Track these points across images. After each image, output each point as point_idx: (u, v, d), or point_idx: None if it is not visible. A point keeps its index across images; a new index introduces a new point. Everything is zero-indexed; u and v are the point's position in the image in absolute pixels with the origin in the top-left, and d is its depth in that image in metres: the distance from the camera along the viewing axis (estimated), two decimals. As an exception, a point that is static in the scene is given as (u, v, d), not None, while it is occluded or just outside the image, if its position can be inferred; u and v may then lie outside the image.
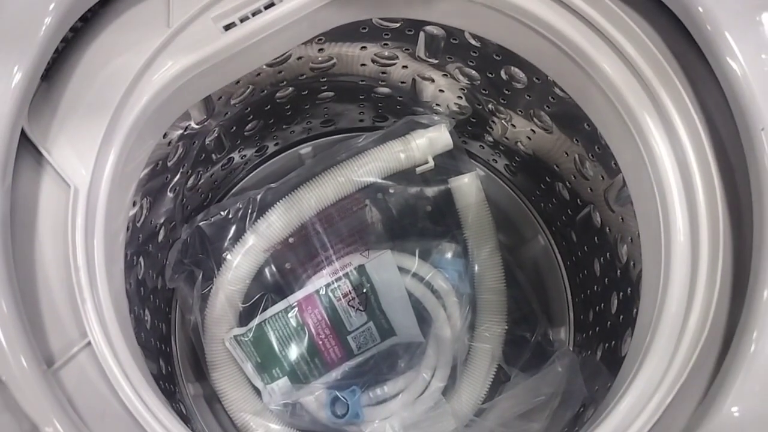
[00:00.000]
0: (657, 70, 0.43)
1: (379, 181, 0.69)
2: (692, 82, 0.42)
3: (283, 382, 0.69)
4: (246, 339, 0.68)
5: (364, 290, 0.69)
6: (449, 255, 0.72)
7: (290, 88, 0.66)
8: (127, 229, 0.53)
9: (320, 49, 0.60)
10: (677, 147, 0.43)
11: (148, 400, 0.37)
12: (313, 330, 0.69)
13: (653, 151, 0.44)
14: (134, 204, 0.54)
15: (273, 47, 0.51)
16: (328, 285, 0.69)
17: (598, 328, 0.65)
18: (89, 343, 0.37)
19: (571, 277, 0.74)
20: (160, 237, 0.64)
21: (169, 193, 0.63)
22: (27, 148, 0.40)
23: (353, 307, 0.70)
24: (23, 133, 0.39)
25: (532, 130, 0.65)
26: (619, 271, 0.59)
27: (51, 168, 0.40)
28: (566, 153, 0.63)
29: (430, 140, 0.69)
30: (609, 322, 0.62)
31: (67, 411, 0.34)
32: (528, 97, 0.61)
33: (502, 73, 0.60)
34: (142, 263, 0.59)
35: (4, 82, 0.36)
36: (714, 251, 0.40)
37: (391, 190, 0.72)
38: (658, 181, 0.44)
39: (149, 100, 0.44)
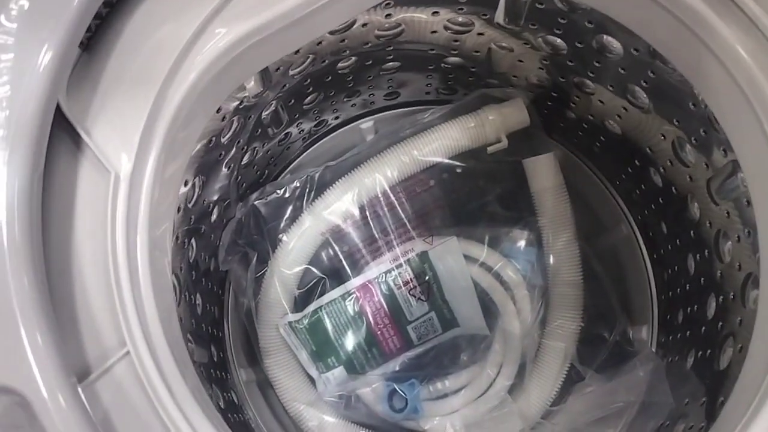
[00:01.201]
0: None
1: (446, 160, 0.64)
2: None
3: (339, 371, 0.66)
4: (301, 326, 0.64)
5: (427, 278, 0.65)
6: (521, 243, 0.66)
7: (353, 58, 0.60)
8: (178, 210, 0.49)
9: (387, 15, 0.55)
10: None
11: (193, 417, 0.33)
12: (371, 318, 0.65)
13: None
14: (186, 183, 0.50)
15: (338, 12, 0.46)
16: (388, 272, 0.65)
17: (688, 332, 0.59)
18: (128, 353, 0.33)
19: (657, 273, 0.67)
20: (214, 216, 0.61)
21: (223, 170, 0.59)
22: (63, 127, 0.36)
23: (414, 296, 0.65)
24: (59, 110, 0.35)
25: (624, 108, 0.58)
26: (719, 272, 0.53)
27: (90, 151, 0.36)
28: (663, 135, 0.55)
29: (504, 116, 0.63)
30: (703, 328, 0.55)
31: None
32: (621, 71, 0.54)
33: (593, 42, 0.53)
34: (194, 245, 0.56)
35: (37, 51, 0.32)
36: None
37: (459, 171, 0.66)
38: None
39: (200, 74, 0.39)
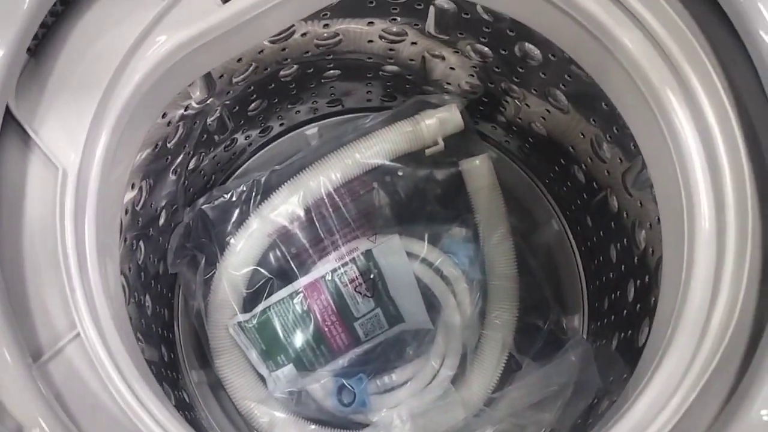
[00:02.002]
0: (682, 44, 0.40)
1: (387, 163, 0.67)
2: (720, 58, 0.39)
3: (289, 369, 0.68)
4: (250, 325, 0.66)
5: (372, 276, 0.67)
6: (459, 240, 0.70)
7: (295, 66, 0.63)
8: (126, 213, 0.51)
9: (325, 25, 0.58)
10: (703, 127, 0.40)
11: (142, 394, 0.35)
12: (319, 316, 0.67)
13: (677, 132, 0.41)
14: (133, 186, 0.52)
15: (275, 21, 0.49)
16: (334, 270, 0.67)
17: (613, 317, 0.63)
18: (78, 335, 0.35)
19: (586, 264, 0.71)
20: (162, 221, 0.62)
21: (170, 176, 0.61)
22: (13, 127, 0.38)
23: (360, 293, 0.68)
24: (9, 112, 0.37)
25: (547, 110, 0.62)
26: (636, 258, 0.57)
27: (38, 149, 0.38)
28: (582, 134, 0.60)
29: (440, 121, 0.67)
30: (625, 311, 0.59)
31: (55, 409, 0.32)
32: (543, 76, 0.58)
33: (516, 49, 0.57)
34: (143, 248, 0.58)
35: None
36: (742, 240, 0.38)
37: (400, 173, 0.70)
38: (682, 163, 0.41)
39: (143, 78, 0.41)
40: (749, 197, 0.38)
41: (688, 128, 0.41)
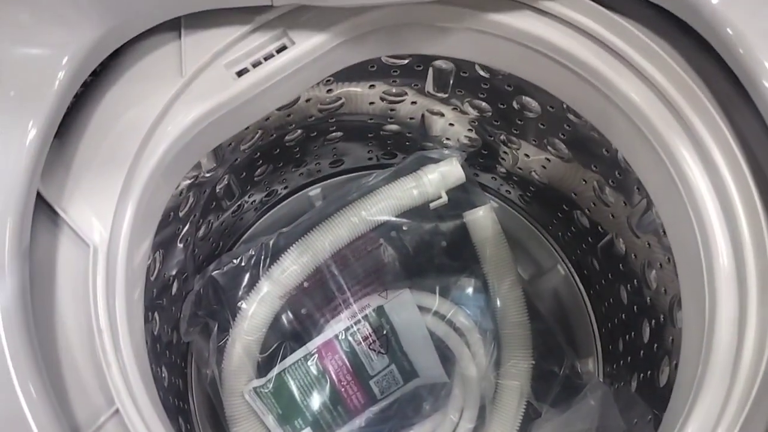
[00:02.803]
0: (685, 92, 0.42)
1: (393, 219, 0.68)
2: (723, 104, 0.41)
3: (307, 433, 0.66)
4: (266, 390, 0.65)
5: (384, 332, 0.67)
6: (469, 290, 0.70)
7: (299, 131, 0.65)
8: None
9: (329, 90, 0.60)
10: (712, 170, 0.41)
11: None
12: (334, 377, 0.67)
13: (686, 175, 0.43)
14: (148, 257, 0.52)
15: (286, 91, 0.50)
16: (347, 329, 0.67)
17: (629, 358, 0.63)
18: (117, 411, 0.34)
19: (596, 307, 0.72)
20: (174, 290, 0.62)
21: (179, 244, 0.61)
22: (42, 208, 0.38)
23: (374, 350, 0.67)
24: (38, 193, 0.37)
25: (547, 159, 0.64)
26: (649, 298, 0.58)
27: (68, 228, 0.38)
28: (584, 180, 0.62)
29: (442, 174, 0.68)
30: (642, 352, 0.60)
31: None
32: (541, 126, 0.60)
33: (514, 103, 0.59)
34: (157, 318, 0.57)
35: (19, 139, 0.34)
36: (763, 273, 0.39)
37: (405, 228, 0.71)
38: (693, 204, 0.43)
39: (165, 151, 0.42)
40: (765, 231, 0.39)
41: (697, 171, 0.43)
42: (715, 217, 0.41)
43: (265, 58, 0.47)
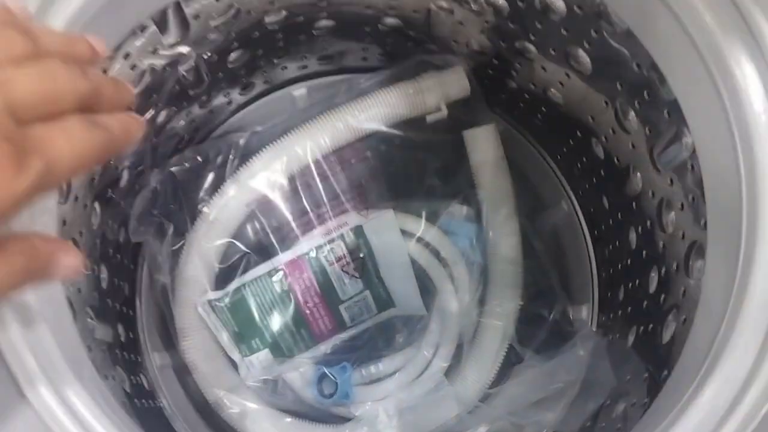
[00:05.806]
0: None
1: (384, 129, 0.60)
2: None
3: (264, 354, 0.61)
4: (222, 304, 0.59)
5: (361, 254, 0.61)
6: (460, 218, 0.64)
7: (283, 12, 0.56)
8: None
9: (320, -37, 0.50)
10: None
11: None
12: (300, 297, 0.60)
13: (739, 92, 0.35)
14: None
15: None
16: (319, 247, 0.60)
17: (630, 309, 0.57)
18: None
19: (598, 250, 0.65)
20: (123, 182, 0.55)
21: (136, 132, 0.54)
22: None
23: (347, 273, 0.61)
24: None
25: (567, 74, 0.55)
26: (662, 243, 0.51)
27: None
28: (606, 102, 0.53)
29: (444, 84, 0.60)
30: (645, 303, 0.54)
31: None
32: (564, 32, 0.51)
33: (537, 0, 0.50)
34: (99, 211, 0.50)
35: None
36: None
37: (397, 141, 0.63)
38: (743, 127, 0.35)
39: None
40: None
41: (755, 88, 0.34)
42: (768, 146, 0.33)
43: None
